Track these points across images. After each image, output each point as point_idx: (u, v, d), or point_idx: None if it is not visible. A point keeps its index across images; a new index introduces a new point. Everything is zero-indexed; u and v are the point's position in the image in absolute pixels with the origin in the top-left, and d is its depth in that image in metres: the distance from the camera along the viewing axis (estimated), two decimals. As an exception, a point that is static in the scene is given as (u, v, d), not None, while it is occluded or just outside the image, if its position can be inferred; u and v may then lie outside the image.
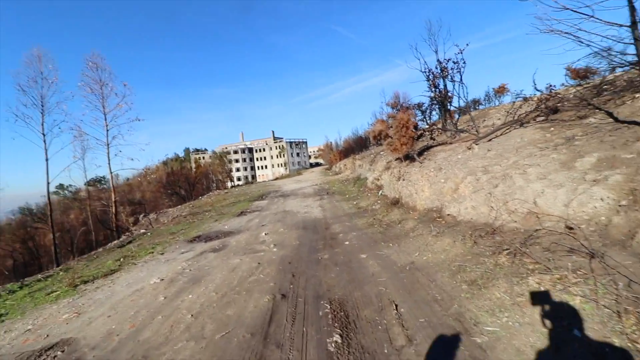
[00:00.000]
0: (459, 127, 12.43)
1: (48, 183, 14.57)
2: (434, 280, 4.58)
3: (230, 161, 74.29)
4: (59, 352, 3.94)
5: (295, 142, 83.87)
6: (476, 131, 10.79)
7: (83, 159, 18.59)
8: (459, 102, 12.29)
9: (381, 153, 18.85)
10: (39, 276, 8.41)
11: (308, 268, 5.84)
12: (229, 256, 7.31)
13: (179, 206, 28.99)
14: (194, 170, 54.67)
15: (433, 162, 9.70)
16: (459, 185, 7.38)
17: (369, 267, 5.48)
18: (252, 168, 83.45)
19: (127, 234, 16.74)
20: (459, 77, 11.84)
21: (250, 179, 78.07)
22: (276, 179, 58.17)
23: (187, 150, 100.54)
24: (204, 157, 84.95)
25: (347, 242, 7.29)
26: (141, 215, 26.94)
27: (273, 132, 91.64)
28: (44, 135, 13.84)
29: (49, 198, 15.09)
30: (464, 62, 11.91)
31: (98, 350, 3.86)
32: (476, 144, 9.43)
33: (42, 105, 13.75)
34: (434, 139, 12.51)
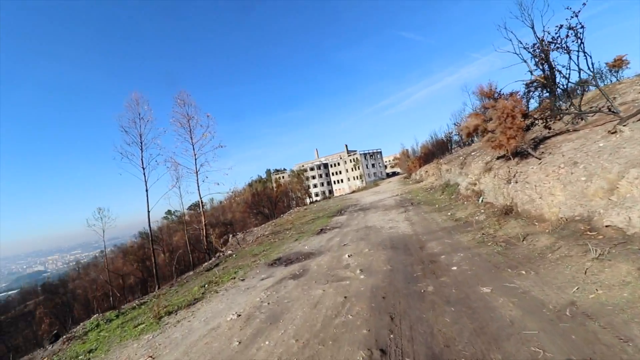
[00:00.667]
0: (582, 110, 9.61)
1: (149, 211, 16.06)
2: (628, 339, 2.79)
3: (307, 178, 76.35)
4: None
5: (369, 153, 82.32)
6: (614, 111, 8.05)
7: (179, 187, 20.37)
8: (579, 76, 9.50)
9: (473, 153, 16.25)
10: (135, 303, 8.70)
11: (409, 306, 4.43)
12: (310, 285, 6.32)
13: (263, 225, 30.02)
14: (275, 189, 57.27)
15: (559, 155, 7.37)
16: (617, 184, 5.15)
17: (500, 309, 3.83)
18: (329, 183, 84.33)
19: (217, 254, 17.42)
20: (578, 45, 9.19)
21: (327, 194, 78.82)
22: (353, 192, 57.23)
23: (268, 172, 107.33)
24: (283, 177, 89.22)
25: (454, 268, 5.64)
26: (230, 236, 28.59)
27: (346, 145, 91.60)
28: (143, 168, 15.47)
29: (149, 225, 16.59)
30: (582, 27, 9.24)
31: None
32: (624, 126, 6.86)
33: (141, 142, 15.43)
34: (550, 128, 9.87)
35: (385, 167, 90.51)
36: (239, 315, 5.33)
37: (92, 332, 6.56)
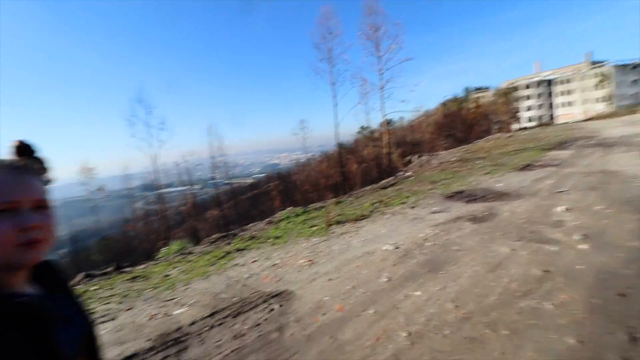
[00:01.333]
0: None
1: (337, 125, 17.03)
2: None
3: (517, 99, 61.58)
4: (276, 306, 3.63)
5: (630, 65, 55.35)
6: None
7: (366, 103, 20.33)
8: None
9: None
10: (319, 204, 9.80)
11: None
12: (494, 236, 4.83)
13: (452, 149, 27.15)
14: (472, 110, 49.81)
15: None
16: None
17: None
18: (550, 106, 64.93)
19: (397, 174, 17.31)
20: None
21: (546, 119, 61.61)
22: (589, 119, 41.81)
23: (466, 90, 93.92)
24: (484, 97, 75.99)
25: None
26: (415, 156, 27.82)
27: (590, 54, 65.17)
28: (333, 84, 16.05)
29: (337, 138, 17.43)
30: None
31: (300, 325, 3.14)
32: None
33: (330, 58, 15.73)
34: None
35: (661, 85, 59.77)
36: (397, 248, 4.74)
37: (283, 221, 7.87)
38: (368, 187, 12.09)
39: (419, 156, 27.14)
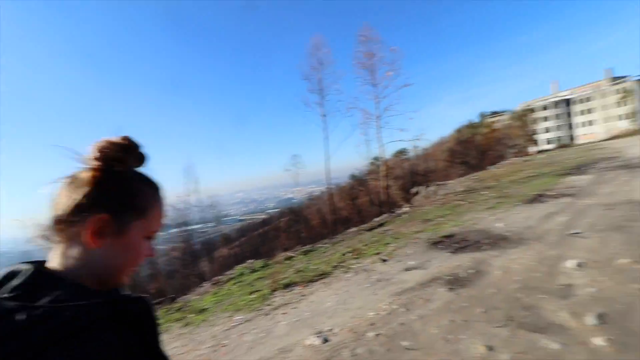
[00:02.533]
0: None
1: (327, 158, 15.85)
2: None
3: (535, 120, 59.15)
4: None
5: (654, 78, 52.30)
6: None
7: (366, 133, 19.12)
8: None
9: None
10: (287, 254, 8.41)
11: None
12: (471, 318, 3.28)
13: (462, 178, 25.23)
14: (485, 136, 47.92)
15: None
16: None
17: None
18: (570, 126, 61.69)
19: (395, 209, 15.75)
20: None
21: (566, 140, 58.22)
22: (612, 138, 38.86)
23: (482, 115, 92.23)
24: (499, 121, 73.95)
25: None
26: (423, 187, 26.06)
27: (610, 70, 62.64)
28: (324, 116, 15.21)
29: (327, 171, 16.05)
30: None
31: None
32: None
33: (321, 89, 15.06)
34: None
35: (689, 97, 55.89)
36: (325, 342, 3.26)
37: (232, 280, 6.53)
38: (354, 229, 10.63)
39: (427, 187, 25.41)
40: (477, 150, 41.93)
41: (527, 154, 42.05)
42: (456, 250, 5.66)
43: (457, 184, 21.82)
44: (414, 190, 28.77)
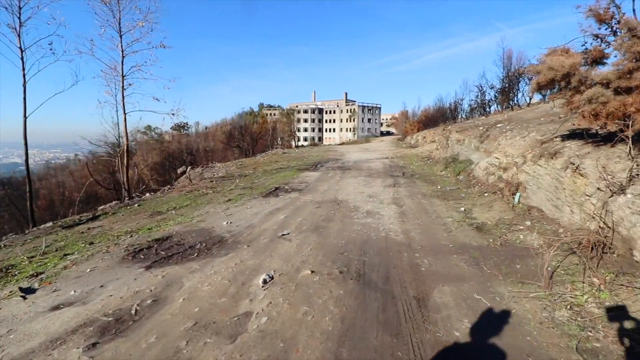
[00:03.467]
0: None
1: (25, 117, 10.57)
2: None
3: (298, 120, 70.25)
4: None
5: (368, 106, 75.51)
6: None
7: (115, 96, 14.27)
8: None
9: (500, 125, 11.50)
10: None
11: None
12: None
13: (229, 162, 25.34)
14: (258, 125, 51.70)
15: None
16: None
17: None
18: (320, 130, 78.30)
19: (134, 196, 13.01)
20: None
21: (316, 140, 73.33)
22: (342, 144, 52.25)
23: (261, 106, 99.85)
24: (274, 114, 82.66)
25: None
26: (189, 168, 24.00)
27: (346, 93, 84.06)
28: (21, 50, 9.85)
29: (25, 134, 10.33)
30: None
31: None
32: None
33: (19, 10, 9.56)
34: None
35: (382, 124, 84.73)
36: None
37: None
38: (49, 224, 7.29)
39: (192, 168, 23.61)
40: (251, 137, 44.26)
41: (290, 147, 49.14)
42: (154, 264, 4.33)
43: (222, 168, 21.45)
44: (181, 169, 26.12)
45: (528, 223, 5.37)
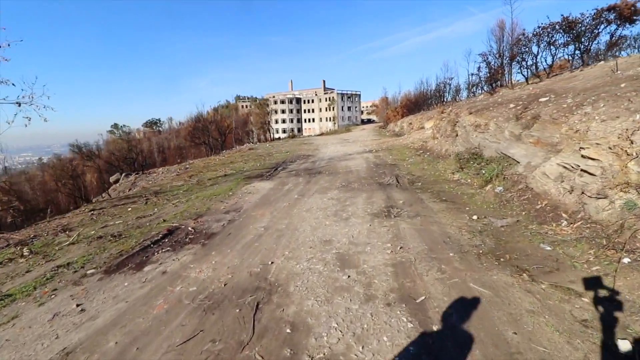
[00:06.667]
0: None
1: None
2: None
3: (275, 111, 64.40)
4: None
5: (347, 94, 70.26)
6: None
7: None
8: None
9: (544, 100, 6.86)
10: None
11: None
12: None
13: (174, 165, 19.98)
14: (231, 118, 45.90)
15: None
16: None
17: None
18: (299, 120, 72.64)
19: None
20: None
21: (296, 131, 67.77)
22: (321, 134, 47.21)
23: (237, 98, 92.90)
24: (247, 106, 76.36)
25: None
26: (122, 176, 18.50)
27: (324, 81, 78.48)
28: None
29: None
30: None
31: None
32: None
33: None
34: None
35: (362, 112, 79.90)
36: None
37: None
38: None
39: (126, 175, 18.20)
40: (219, 132, 38.59)
41: (266, 140, 43.74)
42: None
43: (161, 174, 16.20)
44: (113, 178, 20.61)
45: None
